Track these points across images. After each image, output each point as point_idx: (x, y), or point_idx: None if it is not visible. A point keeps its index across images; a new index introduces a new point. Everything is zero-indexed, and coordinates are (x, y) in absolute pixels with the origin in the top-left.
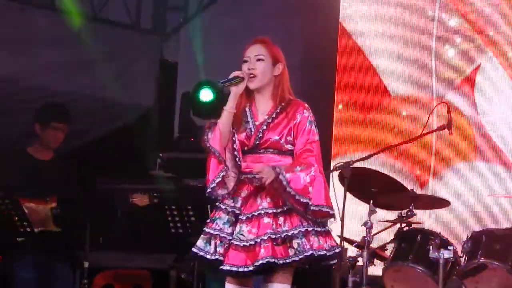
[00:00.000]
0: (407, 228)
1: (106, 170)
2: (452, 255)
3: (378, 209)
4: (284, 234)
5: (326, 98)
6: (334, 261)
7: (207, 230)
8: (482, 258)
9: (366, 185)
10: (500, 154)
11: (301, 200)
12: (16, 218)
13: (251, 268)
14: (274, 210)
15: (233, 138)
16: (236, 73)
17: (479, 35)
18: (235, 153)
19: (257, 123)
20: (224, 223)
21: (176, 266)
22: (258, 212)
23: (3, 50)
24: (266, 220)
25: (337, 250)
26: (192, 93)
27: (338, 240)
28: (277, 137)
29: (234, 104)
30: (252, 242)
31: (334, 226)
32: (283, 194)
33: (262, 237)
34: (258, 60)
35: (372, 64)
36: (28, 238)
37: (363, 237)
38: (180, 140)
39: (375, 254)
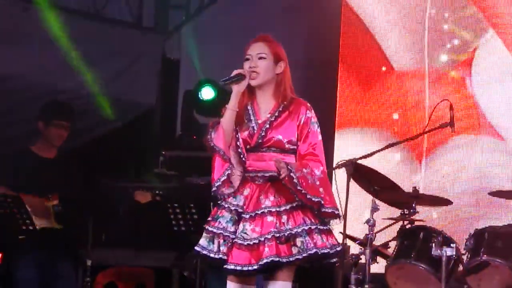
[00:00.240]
0: (409, 225)
1: (109, 168)
2: (454, 253)
3: (380, 207)
4: (288, 232)
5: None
6: (335, 259)
7: (210, 228)
8: (485, 256)
9: (368, 183)
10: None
11: (313, 199)
12: (19, 216)
13: (255, 267)
14: (277, 209)
15: (237, 136)
16: (237, 71)
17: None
18: (239, 150)
19: (259, 121)
20: (227, 222)
21: (179, 264)
22: (262, 210)
23: (5, 48)
24: (270, 218)
25: (338, 249)
26: (193, 92)
27: (340, 238)
28: (280, 137)
29: (237, 102)
30: (256, 241)
31: (336, 223)
32: (295, 192)
33: (266, 236)
34: (260, 58)
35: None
36: (30, 236)
37: (366, 234)
38: (182, 138)
39: (377, 252)
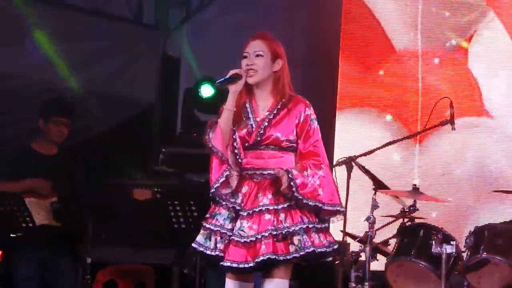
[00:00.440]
0: (409, 223)
1: (109, 166)
2: (454, 250)
3: (381, 205)
4: (285, 230)
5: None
6: (330, 258)
7: (207, 225)
8: (485, 253)
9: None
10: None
11: (309, 203)
12: (19, 214)
13: (251, 264)
14: (275, 207)
15: (234, 137)
16: (233, 72)
17: None
18: (236, 151)
19: (258, 119)
20: (224, 219)
21: (179, 262)
22: (259, 208)
23: (5, 47)
24: (267, 216)
25: (335, 247)
26: (193, 90)
27: (340, 235)
28: (278, 134)
29: (234, 102)
30: (253, 239)
31: (339, 220)
32: (293, 197)
33: (263, 234)
34: (257, 56)
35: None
36: (30, 234)
37: (366, 232)
38: (182, 136)
39: (377, 249)
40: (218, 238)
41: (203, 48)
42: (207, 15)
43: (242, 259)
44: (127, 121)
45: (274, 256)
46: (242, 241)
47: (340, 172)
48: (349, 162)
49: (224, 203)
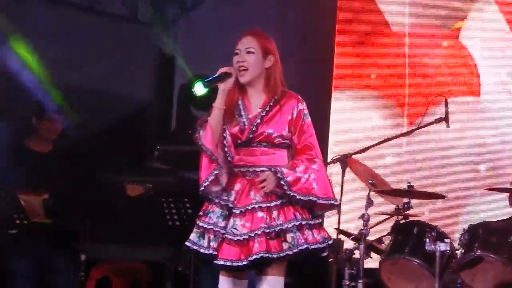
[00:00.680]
0: (403, 220)
1: (104, 163)
2: (448, 248)
3: (375, 202)
4: (278, 228)
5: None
6: (325, 253)
7: (200, 224)
8: (479, 251)
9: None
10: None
11: (303, 199)
12: (13, 211)
13: (245, 263)
14: (268, 204)
15: (224, 135)
16: (223, 70)
17: None
18: (226, 149)
19: (250, 116)
20: (217, 217)
21: (173, 259)
22: (252, 206)
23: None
24: (260, 214)
25: (329, 242)
26: (188, 90)
27: (335, 233)
28: (271, 131)
29: (223, 101)
30: (246, 237)
31: (330, 219)
32: (285, 196)
33: (256, 232)
34: (248, 52)
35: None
36: (25, 231)
37: (360, 229)
38: (178, 133)
39: (372, 247)
40: (212, 236)
41: (198, 45)
42: (202, 12)
43: (236, 257)
44: (122, 119)
45: (267, 255)
46: (235, 239)
47: (335, 170)
48: (343, 160)
49: (217, 200)
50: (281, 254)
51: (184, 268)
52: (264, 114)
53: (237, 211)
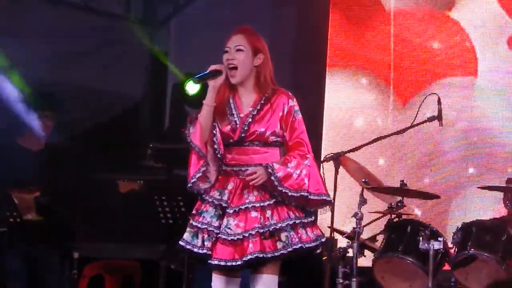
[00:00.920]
0: (397, 219)
1: (97, 161)
2: (442, 246)
3: (368, 201)
4: (272, 227)
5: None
6: (319, 250)
7: (194, 223)
8: (472, 249)
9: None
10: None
11: (295, 195)
12: (5, 208)
13: (239, 263)
14: (262, 204)
15: (214, 132)
16: (213, 67)
17: None
18: (215, 146)
19: (241, 115)
20: (211, 217)
21: (166, 257)
22: (245, 206)
23: None
24: (254, 214)
25: (323, 240)
26: (180, 89)
27: (328, 231)
28: (263, 129)
29: (213, 98)
30: (240, 237)
31: (324, 217)
32: (275, 192)
33: (250, 232)
34: (238, 50)
35: None
36: (17, 229)
37: (354, 228)
38: (171, 131)
39: (365, 245)
40: (206, 235)
41: (191, 43)
42: (195, 10)
43: (230, 257)
44: (115, 117)
45: (262, 255)
46: (229, 239)
47: (328, 169)
48: (336, 158)
49: (210, 200)
50: (276, 254)
51: (177, 266)
52: (255, 113)
53: (231, 211)
